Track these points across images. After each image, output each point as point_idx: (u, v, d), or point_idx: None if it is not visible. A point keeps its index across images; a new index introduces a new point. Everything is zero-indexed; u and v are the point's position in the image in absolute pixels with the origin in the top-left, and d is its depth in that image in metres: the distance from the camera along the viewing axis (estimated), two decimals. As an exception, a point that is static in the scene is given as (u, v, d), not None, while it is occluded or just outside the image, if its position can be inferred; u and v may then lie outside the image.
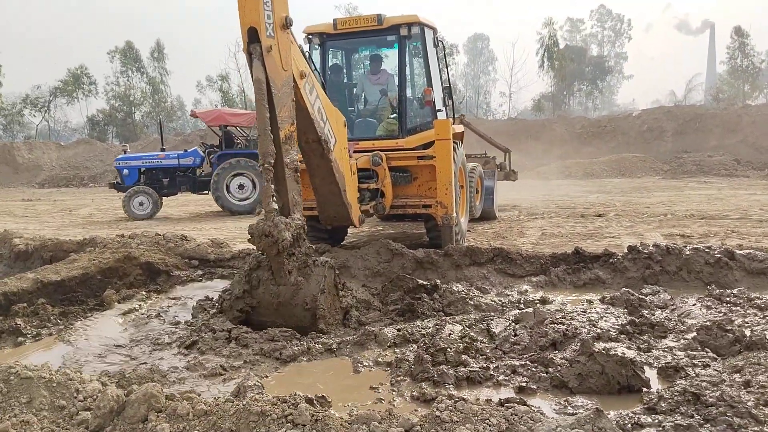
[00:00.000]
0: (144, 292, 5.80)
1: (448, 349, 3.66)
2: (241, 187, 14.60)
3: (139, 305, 5.44)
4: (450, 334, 4.05)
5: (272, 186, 4.26)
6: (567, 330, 3.95)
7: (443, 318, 4.69)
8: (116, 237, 7.41)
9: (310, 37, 7.68)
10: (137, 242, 6.94)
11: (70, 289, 5.59)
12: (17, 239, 7.63)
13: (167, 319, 5.05)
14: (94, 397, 2.81)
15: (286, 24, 4.49)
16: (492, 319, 4.54)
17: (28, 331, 4.66)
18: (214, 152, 15.12)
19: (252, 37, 4.21)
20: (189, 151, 15.83)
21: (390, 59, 8.31)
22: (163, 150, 15.92)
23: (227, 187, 14.39)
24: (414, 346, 4.04)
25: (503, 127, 38.81)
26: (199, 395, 3.00)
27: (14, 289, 5.20)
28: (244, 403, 2.61)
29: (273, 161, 4.19)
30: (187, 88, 79.37)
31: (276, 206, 4.30)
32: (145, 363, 3.97)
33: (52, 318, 4.95)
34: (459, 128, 8.28)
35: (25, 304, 5.04)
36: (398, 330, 4.36)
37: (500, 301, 5.13)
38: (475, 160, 15.72)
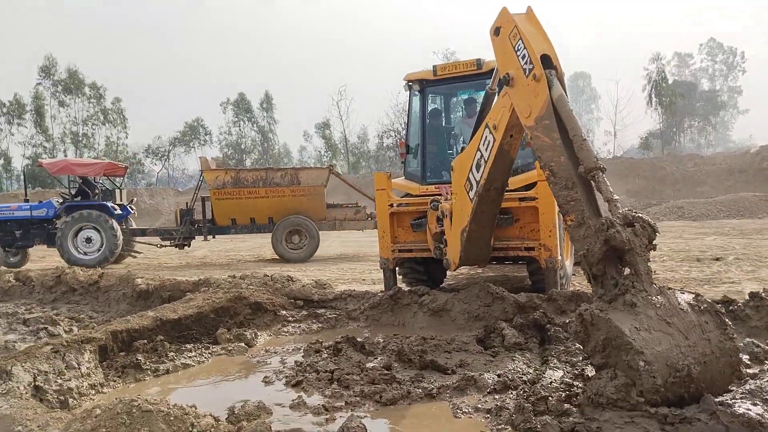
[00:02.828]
0: (253, 331, 6.04)
1: (549, 398, 3.52)
2: (88, 240, 14.25)
3: (249, 343, 5.69)
4: (551, 381, 3.90)
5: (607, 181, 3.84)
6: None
7: (545, 362, 4.55)
8: (228, 277, 7.82)
9: (411, 83, 7.89)
10: (247, 283, 7.27)
11: (186, 327, 5.93)
12: (139, 279, 8.22)
13: (274, 357, 5.23)
14: (208, 431, 2.95)
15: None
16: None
17: (147, 366, 4.99)
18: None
19: (546, 63, 4.38)
20: (43, 202, 15.50)
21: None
22: (26, 201, 15.59)
23: (75, 240, 14.18)
24: (514, 393, 3.93)
25: (609, 166, 37.43)
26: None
27: (136, 326, 5.58)
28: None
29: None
30: (293, 136, 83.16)
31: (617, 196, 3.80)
32: (253, 399, 4.12)
33: (169, 354, 5.26)
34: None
35: (145, 341, 5.40)
36: (498, 376, 4.26)
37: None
38: (345, 208, 15.85)
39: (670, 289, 3.53)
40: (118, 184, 16.62)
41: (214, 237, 16.57)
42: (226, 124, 62.26)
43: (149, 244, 16.50)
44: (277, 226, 14.63)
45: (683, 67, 78.24)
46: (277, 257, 14.77)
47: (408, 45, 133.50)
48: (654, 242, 3.51)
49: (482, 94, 8.49)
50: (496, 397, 3.94)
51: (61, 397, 4.15)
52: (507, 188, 7.10)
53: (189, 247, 16.13)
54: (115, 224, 14.46)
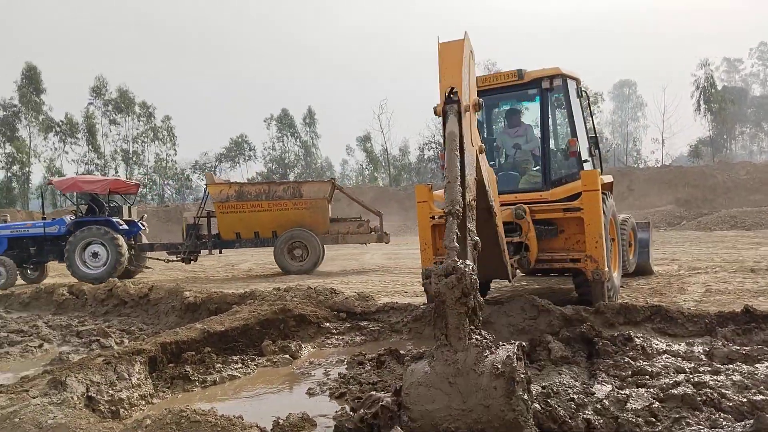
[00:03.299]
0: (297, 343, 6.10)
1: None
2: (95, 255, 14.65)
3: (293, 355, 5.74)
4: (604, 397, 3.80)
5: (456, 235, 3.67)
6: (742, 403, 3.54)
7: (593, 376, 4.44)
8: (273, 290, 7.92)
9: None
10: (291, 295, 7.35)
11: (232, 339, 6.02)
12: (187, 292, 8.40)
13: (318, 369, 5.26)
14: (254, 442, 2.98)
15: (478, 105, 4.56)
16: (649, 382, 4.20)
17: (195, 378, 5.08)
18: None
19: (449, 98, 4.26)
20: (56, 219, 15.99)
21: (530, 111, 8.29)
22: (44, 219, 16.13)
23: (83, 255, 14.59)
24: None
25: (657, 175, 36.67)
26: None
27: (184, 338, 5.70)
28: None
29: (461, 208, 3.83)
30: (335, 149, 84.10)
31: (458, 245, 3.59)
32: (297, 411, 4.15)
33: (216, 365, 5.35)
34: (608, 178, 7.97)
35: (193, 353, 5.51)
36: (543, 388, 4.18)
37: (662, 363, 4.72)
38: (348, 222, 15.74)
39: (502, 345, 3.21)
40: (131, 201, 17.14)
41: (220, 252, 16.86)
42: (270, 139, 63.47)
43: (158, 259, 16.81)
44: (278, 239, 14.83)
45: (733, 72, 76.05)
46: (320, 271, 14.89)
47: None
48: (469, 296, 3.17)
49: (524, 104, 8.47)
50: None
51: (113, 408, 4.26)
52: (549, 200, 7.07)
53: (196, 261, 16.45)
54: (121, 239, 14.84)
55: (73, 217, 15.73)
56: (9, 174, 51.74)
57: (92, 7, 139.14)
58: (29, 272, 15.69)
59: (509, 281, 6.61)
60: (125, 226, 15.38)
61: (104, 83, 56.91)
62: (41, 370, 5.17)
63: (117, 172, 56.87)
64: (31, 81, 52.61)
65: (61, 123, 54.71)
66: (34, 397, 3.86)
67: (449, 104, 4.20)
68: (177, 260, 16.04)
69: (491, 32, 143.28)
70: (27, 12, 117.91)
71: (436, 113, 4.46)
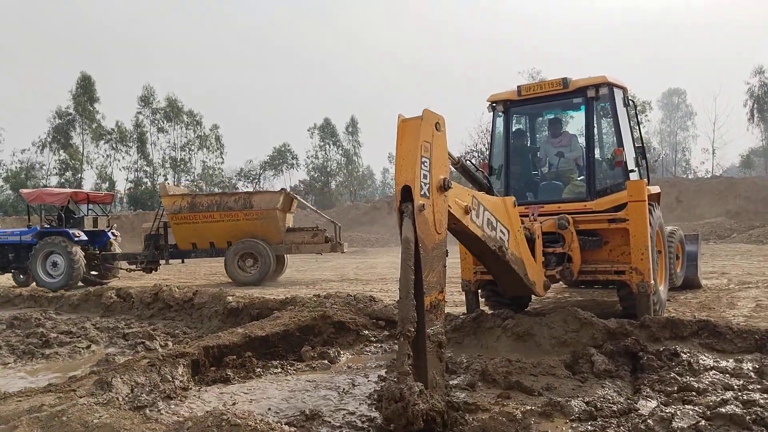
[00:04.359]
0: (336, 350, 6.13)
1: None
2: (54, 264, 15.03)
3: (332, 361, 5.78)
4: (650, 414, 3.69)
5: (408, 357, 3.54)
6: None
7: (638, 390, 4.33)
8: (313, 297, 7.98)
9: (494, 104, 7.83)
10: (331, 302, 7.39)
11: (273, 344, 6.09)
12: (230, 297, 8.54)
13: (355, 374, 5.27)
14: (292, 447, 3.00)
15: (444, 186, 4.13)
16: (695, 399, 4.06)
17: (236, 381, 5.16)
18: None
19: (405, 195, 3.94)
20: (31, 228, 16.35)
21: (575, 121, 8.16)
22: (28, 227, 16.58)
23: (45, 264, 15.01)
24: (601, 421, 3.76)
25: (706, 186, 35.66)
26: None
27: (226, 342, 5.79)
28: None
29: (413, 329, 3.60)
30: (377, 158, 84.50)
31: (408, 369, 3.47)
32: (336, 412, 4.17)
33: (256, 370, 5.42)
34: (655, 189, 7.77)
35: (234, 356, 5.59)
36: (586, 402, 4.08)
37: (709, 379, 4.56)
38: (303, 232, 15.62)
39: None
40: (106, 211, 18.01)
41: (182, 261, 17.22)
42: (313, 147, 64.19)
43: (120, 268, 17.29)
44: (229, 249, 15.07)
45: (789, 80, 73.33)
46: (356, 278, 14.93)
47: (492, 65, 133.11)
48: (414, 424, 3.26)
49: (569, 113, 8.35)
50: (580, 426, 3.78)
51: (156, 409, 4.35)
52: (593, 210, 6.95)
53: (156, 271, 16.82)
54: (75, 249, 15.21)
55: (48, 226, 16.44)
56: (62, 180, 53.60)
57: (148, 17, 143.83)
58: (21, 277, 16.42)
59: (540, 296, 6.50)
60: (83, 237, 15.78)
61: (152, 92, 58.57)
62: (88, 371, 5.33)
63: (166, 179, 58.35)
64: (86, 90, 54.53)
65: (112, 131, 56.48)
66: (81, 397, 3.98)
67: (404, 203, 3.93)
68: (137, 270, 16.54)
69: (534, 40, 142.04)
70: (81, 22, 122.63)
71: (394, 209, 4.22)
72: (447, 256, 4.16)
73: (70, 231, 15.62)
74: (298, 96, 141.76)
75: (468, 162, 5.70)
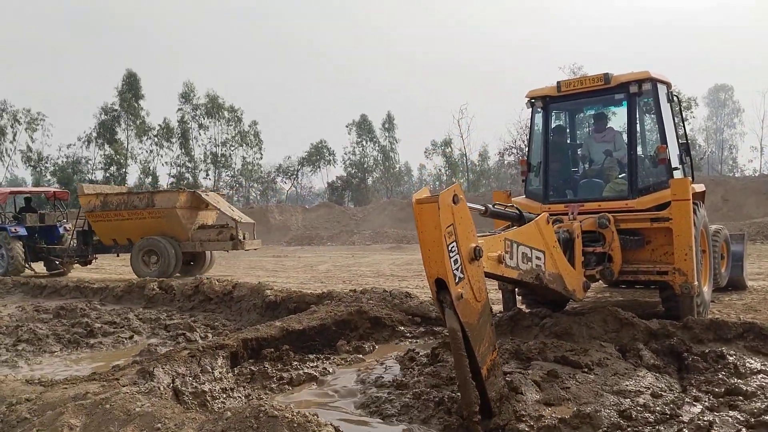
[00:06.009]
0: (371, 344, 6.16)
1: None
2: (1, 256, 16.96)
3: (368, 356, 5.81)
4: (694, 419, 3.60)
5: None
6: None
7: (685, 390, 4.23)
8: (350, 292, 8.02)
9: (533, 100, 7.72)
10: (367, 297, 7.42)
11: (310, 338, 6.15)
12: (268, 291, 8.65)
13: (388, 370, 5.28)
14: (328, 440, 3.03)
15: (476, 256, 3.91)
16: (741, 404, 3.94)
17: (273, 374, 5.22)
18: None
19: (440, 285, 3.78)
20: None
21: (617, 117, 7.98)
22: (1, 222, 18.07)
23: None
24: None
25: (754, 185, 34.54)
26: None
27: (264, 335, 5.87)
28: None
29: (477, 410, 3.67)
30: (413, 154, 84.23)
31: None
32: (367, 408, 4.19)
33: (293, 363, 5.48)
34: (700, 187, 7.56)
35: (272, 349, 5.67)
36: (622, 411, 3.95)
37: (757, 383, 4.41)
38: (210, 230, 15.97)
39: None
40: (63, 207, 19.68)
41: (118, 255, 17.83)
42: (350, 144, 64.41)
43: (58, 261, 17.97)
44: (134, 246, 15.66)
45: (844, 75, 70.46)
46: (388, 274, 14.92)
47: (530, 60, 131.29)
48: None
49: (611, 109, 8.17)
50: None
51: (196, 399, 4.45)
52: (635, 209, 6.80)
53: (90, 264, 17.91)
54: (13, 243, 16.82)
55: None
56: (107, 174, 55.00)
57: (183, 19, 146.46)
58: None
59: (578, 300, 6.34)
60: (22, 232, 17.21)
61: (192, 88, 59.53)
62: (131, 361, 5.48)
63: (207, 174, 59.37)
64: (131, 87, 55.79)
65: (159, 126, 57.66)
66: (123, 386, 4.09)
67: (441, 293, 3.77)
68: (70, 263, 17.55)
69: (576, 35, 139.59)
70: (127, 21, 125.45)
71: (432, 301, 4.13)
72: (492, 313, 4.04)
73: (9, 227, 17.22)
74: (335, 95, 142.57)
75: (495, 206, 5.41)
